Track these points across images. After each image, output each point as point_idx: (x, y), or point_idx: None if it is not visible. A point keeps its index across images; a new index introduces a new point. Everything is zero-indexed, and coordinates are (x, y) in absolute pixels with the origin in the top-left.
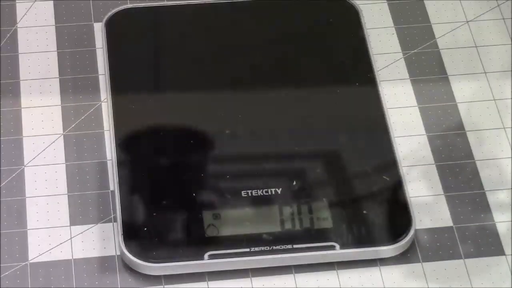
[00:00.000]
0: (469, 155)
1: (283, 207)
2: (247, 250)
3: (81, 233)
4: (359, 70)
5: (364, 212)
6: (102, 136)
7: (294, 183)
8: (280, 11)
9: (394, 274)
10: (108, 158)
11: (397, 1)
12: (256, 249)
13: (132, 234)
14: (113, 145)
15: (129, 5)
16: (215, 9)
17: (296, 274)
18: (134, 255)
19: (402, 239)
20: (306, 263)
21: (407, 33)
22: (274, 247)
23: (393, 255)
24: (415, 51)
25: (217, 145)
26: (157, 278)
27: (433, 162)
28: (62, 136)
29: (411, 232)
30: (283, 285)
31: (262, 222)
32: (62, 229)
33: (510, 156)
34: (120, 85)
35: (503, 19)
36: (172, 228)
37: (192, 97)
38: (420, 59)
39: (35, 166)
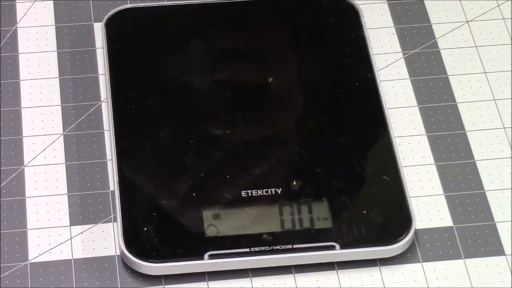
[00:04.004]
0: (469, 155)
1: (283, 207)
2: (247, 250)
3: (81, 233)
4: (359, 70)
5: (364, 212)
6: (102, 136)
7: (294, 183)
8: (280, 11)
9: (394, 274)
10: (108, 158)
11: (397, 1)
12: (256, 249)
13: (132, 234)
14: (113, 145)
15: (129, 5)
16: (215, 9)
17: (296, 274)
18: (134, 255)
19: (402, 239)
20: (306, 263)
21: (407, 33)
22: (274, 247)
23: (393, 255)
24: (415, 51)
25: (217, 145)
26: (157, 278)
27: (433, 162)
28: (62, 136)
29: (411, 232)
30: (283, 285)
31: (262, 222)
32: (62, 229)
33: (510, 156)
34: (120, 85)
35: (503, 19)
36: (172, 228)
37: (192, 97)
38: (420, 59)
39: (35, 166)
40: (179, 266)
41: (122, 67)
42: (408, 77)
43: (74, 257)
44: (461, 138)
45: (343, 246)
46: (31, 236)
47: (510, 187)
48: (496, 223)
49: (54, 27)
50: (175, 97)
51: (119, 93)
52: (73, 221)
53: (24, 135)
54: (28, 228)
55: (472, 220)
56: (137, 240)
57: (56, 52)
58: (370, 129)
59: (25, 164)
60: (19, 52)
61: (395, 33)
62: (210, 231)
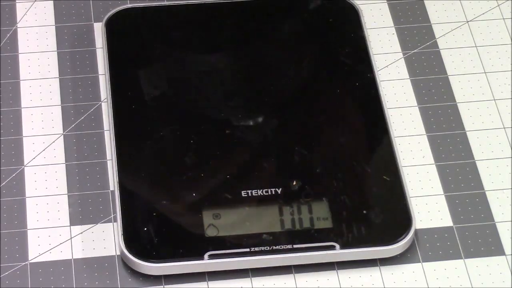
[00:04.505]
0: (469, 155)
1: (283, 207)
2: (247, 250)
3: (81, 233)
4: (359, 70)
5: (364, 212)
6: (102, 136)
7: (294, 183)
8: (280, 11)
9: (394, 274)
10: (108, 158)
11: (397, 1)
12: (256, 249)
13: (132, 234)
14: (113, 145)
15: (129, 5)
16: (215, 9)
17: (296, 274)
18: (134, 255)
19: (402, 239)
20: (306, 263)
21: (407, 33)
22: (274, 247)
23: (393, 255)
24: (415, 51)
25: (217, 145)
26: (157, 278)
27: (433, 162)
28: (62, 136)
29: (411, 232)
30: (283, 285)
31: (262, 222)
32: (62, 229)
33: (510, 156)
34: (120, 85)
35: (503, 19)
36: (172, 228)
37: (192, 97)
38: (420, 59)
39: (35, 166)
40: (179, 266)
41: (122, 67)
42: (408, 77)
43: (74, 257)
44: (461, 138)
45: (343, 246)
46: (31, 236)
47: (510, 187)
48: (496, 223)
49: (54, 27)
50: (175, 97)
51: (119, 93)
52: (73, 221)
53: (24, 135)
54: (28, 228)
55: (472, 220)
56: (137, 240)
57: (56, 52)
58: (370, 129)
59: (25, 164)
60: (19, 52)
61: (395, 33)
62: (210, 231)
